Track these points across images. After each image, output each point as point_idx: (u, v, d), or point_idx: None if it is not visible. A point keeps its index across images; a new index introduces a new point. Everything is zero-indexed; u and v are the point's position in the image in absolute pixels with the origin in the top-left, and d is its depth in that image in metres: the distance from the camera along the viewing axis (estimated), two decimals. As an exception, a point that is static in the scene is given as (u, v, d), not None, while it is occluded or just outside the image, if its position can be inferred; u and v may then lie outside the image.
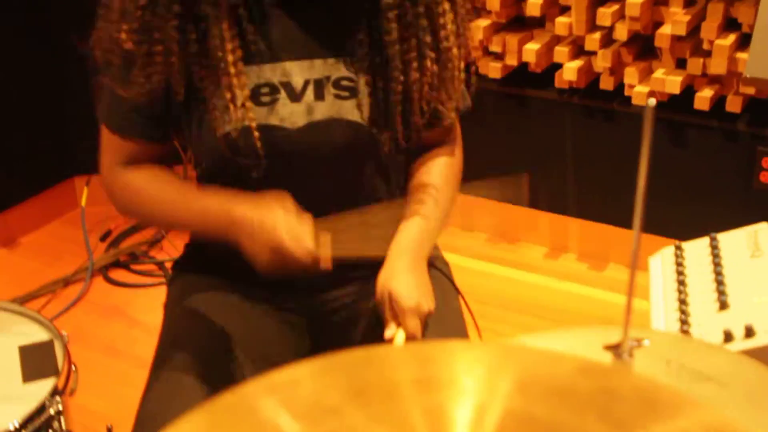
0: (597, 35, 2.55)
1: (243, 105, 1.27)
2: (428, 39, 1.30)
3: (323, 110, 1.33)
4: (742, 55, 2.36)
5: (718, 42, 2.37)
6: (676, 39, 2.44)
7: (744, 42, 2.39)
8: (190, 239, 1.57)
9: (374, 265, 1.32)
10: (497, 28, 2.73)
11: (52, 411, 1.35)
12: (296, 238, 1.23)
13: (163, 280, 2.85)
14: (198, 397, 1.28)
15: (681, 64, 2.50)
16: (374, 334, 1.29)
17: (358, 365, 0.63)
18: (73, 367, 1.46)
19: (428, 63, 1.31)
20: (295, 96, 1.32)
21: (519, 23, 2.76)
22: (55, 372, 1.42)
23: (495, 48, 2.73)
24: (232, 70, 1.26)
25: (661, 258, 1.60)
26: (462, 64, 1.36)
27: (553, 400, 0.59)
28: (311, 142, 1.32)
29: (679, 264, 1.54)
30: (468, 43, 1.38)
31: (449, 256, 1.57)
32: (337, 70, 1.33)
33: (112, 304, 2.77)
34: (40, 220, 3.14)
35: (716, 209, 2.56)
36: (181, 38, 1.25)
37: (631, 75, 2.55)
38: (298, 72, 1.32)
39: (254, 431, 0.58)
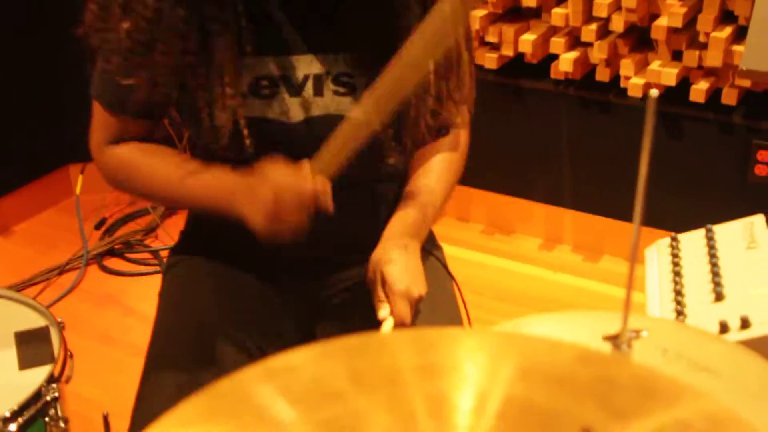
0: (593, 26, 2.55)
1: (236, 97, 1.27)
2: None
3: (322, 106, 1.33)
4: (738, 48, 2.36)
5: (715, 34, 2.37)
6: (672, 31, 2.44)
7: (740, 34, 2.40)
8: (186, 226, 1.57)
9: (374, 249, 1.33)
10: (493, 19, 2.73)
11: (48, 398, 1.35)
12: (278, 184, 1.20)
13: (157, 268, 2.85)
14: (194, 385, 1.28)
15: (677, 56, 2.50)
16: (374, 319, 1.29)
17: (358, 351, 0.63)
18: (70, 354, 1.46)
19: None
20: (295, 90, 1.32)
21: (515, 14, 2.76)
22: (52, 359, 1.42)
23: (491, 38, 2.73)
24: (230, 66, 1.26)
25: (657, 249, 1.61)
26: (471, 65, 1.37)
27: (553, 388, 0.60)
28: (308, 137, 1.32)
29: (675, 255, 1.55)
30: (472, 44, 1.39)
31: (444, 247, 1.58)
32: (337, 66, 1.33)
33: (107, 292, 2.76)
34: (35, 208, 3.14)
35: (711, 202, 2.57)
36: (184, 41, 1.26)
37: (627, 67, 2.55)
38: (298, 66, 1.32)
39: (252, 418, 0.59)
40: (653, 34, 2.46)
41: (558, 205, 2.90)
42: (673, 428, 0.56)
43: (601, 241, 2.86)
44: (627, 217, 2.72)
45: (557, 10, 2.59)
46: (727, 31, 2.38)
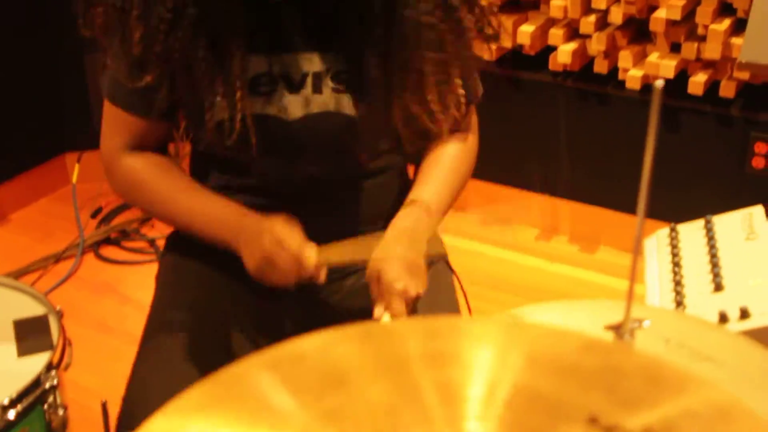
0: (592, 18, 2.54)
1: (238, 94, 1.27)
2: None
3: (320, 103, 1.33)
4: (736, 41, 2.36)
5: (713, 27, 2.37)
6: (670, 23, 2.44)
7: (739, 27, 2.40)
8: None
9: None
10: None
11: (47, 385, 1.35)
12: (281, 243, 1.23)
13: (154, 257, 2.85)
14: (188, 371, 1.28)
15: (675, 48, 2.50)
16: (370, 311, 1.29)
17: (364, 339, 0.63)
18: (68, 342, 1.46)
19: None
20: (294, 87, 1.32)
21: (514, 5, 2.75)
22: (50, 346, 1.41)
23: (489, 29, 2.72)
24: (238, 65, 1.26)
25: (656, 240, 1.61)
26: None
27: (559, 377, 0.60)
28: (307, 134, 1.32)
29: (674, 246, 1.55)
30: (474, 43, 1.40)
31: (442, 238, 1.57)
32: (337, 63, 1.33)
33: (103, 280, 2.76)
34: (31, 197, 3.13)
35: (709, 194, 2.57)
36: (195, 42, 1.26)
37: (625, 58, 2.55)
38: (297, 64, 1.31)
39: (255, 406, 0.58)
40: (652, 26, 2.46)
41: (555, 196, 2.90)
42: (681, 417, 0.56)
43: (598, 232, 2.86)
44: (624, 208, 2.72)
45: (556, 2, 2.59)
46: (726, 23, 2.38)
